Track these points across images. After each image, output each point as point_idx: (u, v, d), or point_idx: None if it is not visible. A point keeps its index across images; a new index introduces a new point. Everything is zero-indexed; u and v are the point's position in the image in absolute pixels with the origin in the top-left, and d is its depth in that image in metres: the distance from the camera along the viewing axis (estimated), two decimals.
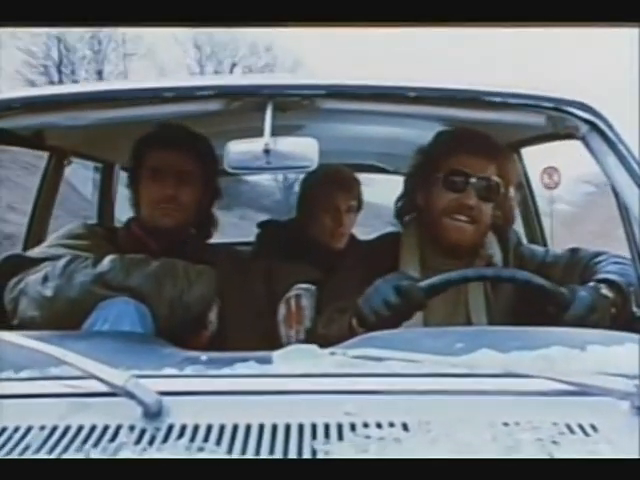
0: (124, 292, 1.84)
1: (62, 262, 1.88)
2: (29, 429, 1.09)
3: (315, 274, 2.25)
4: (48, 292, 1.83)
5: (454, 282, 1.80)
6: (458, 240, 2.01)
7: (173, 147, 2.09)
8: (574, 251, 2.12)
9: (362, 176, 3.11)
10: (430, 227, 2.07)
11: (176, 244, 2.11)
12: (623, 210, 1.85)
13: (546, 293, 1.75)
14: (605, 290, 1.81)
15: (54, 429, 1.09)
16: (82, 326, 1.78)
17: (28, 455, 1.02)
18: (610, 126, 1.66)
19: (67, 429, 1.09)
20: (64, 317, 1.80)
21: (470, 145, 2.01)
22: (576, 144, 1.78)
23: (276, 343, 1.95)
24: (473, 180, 1.98)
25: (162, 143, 2.11)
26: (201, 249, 2.15)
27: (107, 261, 1.89)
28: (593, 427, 1.09)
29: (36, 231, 2.69)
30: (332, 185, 2.73)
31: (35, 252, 2.03)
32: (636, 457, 1.00)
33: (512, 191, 2.11)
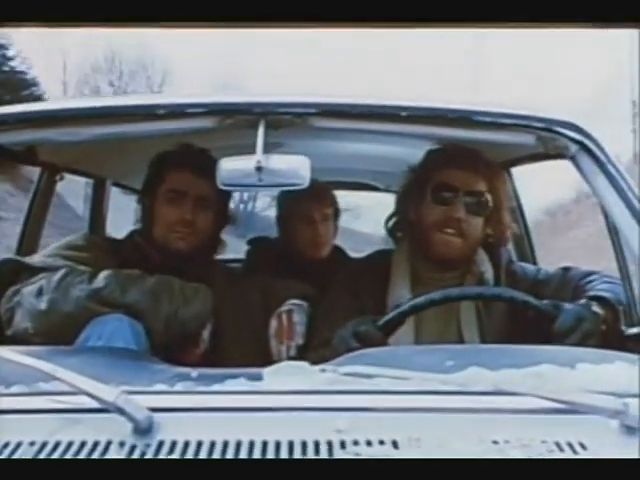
0: (120, 308, 1.83)
1: (57, 276, 1.87)
2: (19, 445, 1.08)
3: (307, 289, 2.25)
4: (42, 305, 1.82)
5: (418, 308, 1.82)
6: (446, 253, 2.03)
7: (195, 171, 2.08)
8: (566, 270, 2.14)
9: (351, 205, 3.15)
10: (420, 241, 2.08)
11: (179, 261, 2.10)
12: (612, 230, 1.87)
13: (533, 309, 1.76)
14: (596, 307, 1.82)
15: (44, 445, 1.09)
16: (75, 341, 1.77)
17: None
18: (600, 146, 1.68)
19: (57, 445, 1.09)
20: (57, 331, 1.79)
21: (459, 160, 2.03)
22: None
23: (268, 359, 1.95)
24: (461, 194, 2.00)
25: (184, 165, 2.11)
26: (199, 266, 2.14)
27: (102, 277, 1.88)
28: (582, 445, 1.10)
29: (27, 247, 2.68)
30: (304, 196, 2.73)
31: (34, 260, 2.03)
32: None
33: (505, 208, 2.12)
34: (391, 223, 2.25)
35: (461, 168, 2.03)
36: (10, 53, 19.85)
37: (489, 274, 2.09)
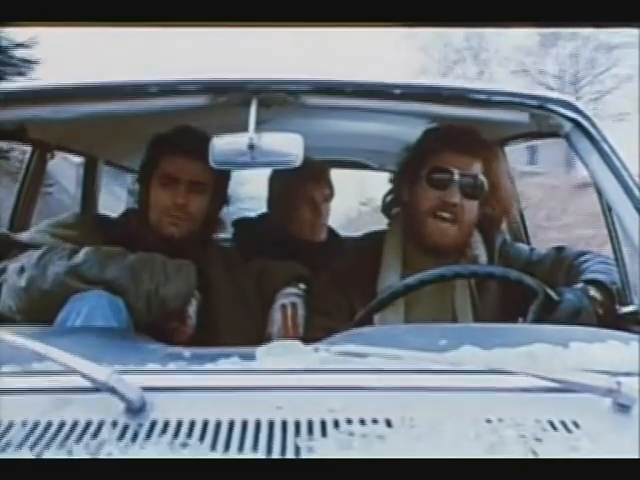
0: (99, 285, 1.82)
1: (38, 253, 1.86)
2: (11, 425, 1.08)
3: (302, 271, 2.24)
4: (22, 282, 1.81)
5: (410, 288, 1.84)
6: (440, 241, 2.02)
7: (190, 155, 2.06)
8: (559, 250, 2.13)
9: None
10: (414, 226, 2.07)
11: (173, 243, 2.09)
12: (606, 208, 1.87)
13: (530, 290, 1.76)
14: (593, 292, 1.82)
15: (36, 425, 1.08)
16: (55, 319, 1.77)
17: (10, 451, 1.02)
18: (594, 124, 1.68)
19: (49, 425, 1.08)
20: (37, 308, 1.79)
21: (455, 142, 2.01)
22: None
23: (261, 338, 1.95)
24: (457, 177, 1.98)
25: (179, 149, 2.09)
26: (192, 246, 2.13)
27: (82, 253, 1.87)
28: (575, 424, 1.10)
29: (19, 225, 2.67)
30: (304, 177, 2.70)
31: (22, 236, 2.03)
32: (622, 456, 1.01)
33: (502, 189, 2.11)
34: (387, 201, 2.24)
35: (457, 150, 2.01)
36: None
37: (483, 257, 2.09)
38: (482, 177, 2.02)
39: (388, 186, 2.24)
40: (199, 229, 2.15)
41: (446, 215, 2.00)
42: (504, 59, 27.79)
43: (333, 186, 2.93)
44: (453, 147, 2.01)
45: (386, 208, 2.24)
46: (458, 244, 2.05)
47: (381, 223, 2.30)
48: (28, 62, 12.08)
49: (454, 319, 2.01)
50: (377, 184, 3.44)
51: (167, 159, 2.10)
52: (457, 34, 28.19)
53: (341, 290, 2.03)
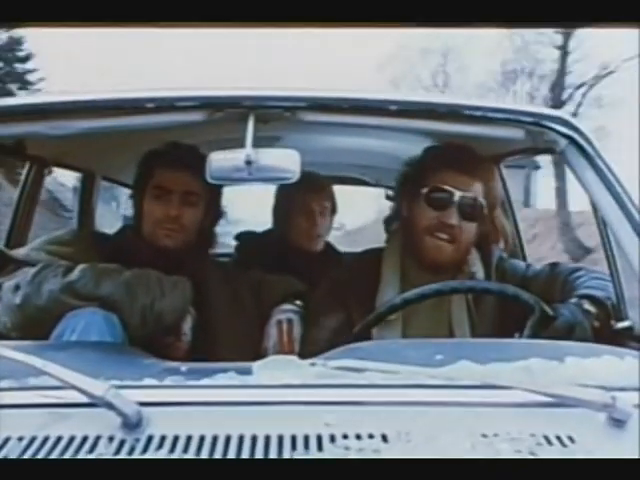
0: (93, 301, 1.82)
1: (33, 270, 1.86)
2: (7, 440, 1.08)
3: (301, 287, 2.25)
4: (17, 300, 1.81)
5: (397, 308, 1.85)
6: (437, 258, 2.01)
7: (181, 167, 2.09)
8: (554, 265, 2.14)
9: None
10: (411, 244, 2.07)
11: (169, 257, 2.10)
12: (601, 224, 1.87)
13: (526, 306, 1.77)
14: (587, 305, 1.83)
15: (32, 440, 1.08)
16: (50, 335, 1.76)
17: None
18: (589, 141, 1.68)
19: (46, 440, 1.08)
20: (33, 325, 1.79)
21: (455, 161, 2.00)
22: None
23: (258, 354, 1.95)
24: (456, 198, 1.97)
25: (171, 162, 2.11)
26: (189, 262, 2.13)
27: (77, 270, 1.87)
28: (570, 438, 1.10)
29: (15, 241, 2.67)
30: (304, 188, 2.75)
31: (18, 253, 2.02)
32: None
33: (497, 208, 2.11)
34: (387, 216, 2.25)
35: (457, 170, 1.99)
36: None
37: (480, 274, 2.09)
38: (481, 199, 2.00)
39: (359, 209, 2.25)
40: (194, 241, 2.16)
41: (444, 236, 1.99)
42: (465, 94, 28.29)
43: (335, 201, 2.97)
44: (453, 166, 2.00)
45: (386, 223, 2.25)
46: (455, 262, 2.04)
47: (354, 247, 2.31)
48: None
49: (451, 334, 2.01)
50: (346, 211, 3.49)
51: (159, 172, 2.12)
52: (426, 70, 28.90)
53: (340, 304, 2.03)
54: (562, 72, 20.87)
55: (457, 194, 1.97)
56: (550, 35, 20.69)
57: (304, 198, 2.83)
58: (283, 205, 2.93)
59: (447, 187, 1.98)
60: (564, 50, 20.52)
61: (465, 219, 1.99)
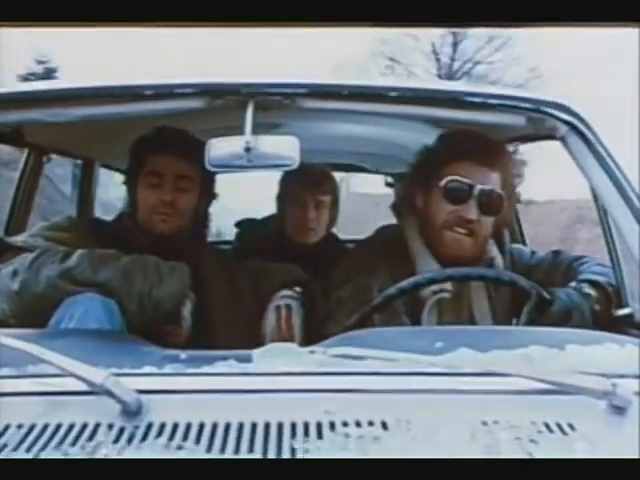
0: (91, 287, 1.81)
1: (31, 256, 1.85)
2: (7, 428, 1.08)
3: (301, 274, 2.24)
4: (15, 286, 1.81)
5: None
6: (457, 253, 1.96)
7: (173, 152, 2.09)
8: (556, 253, 2.14)
9: None
10: (428, 237, 2.01)
11: (166, 243, 2.10)
12: (601, 211, 1.87)
13: (528, 293, 1.76)
14: (587, 289, 1.83)
15: (32, 427, 1.08)
16: (49, 322, 1.76)
17: (6, 454, 1.01)
18: (589, 127, 1.68)
19: (45, 427, 1.08)
20: (31, 312, 1.78)
21: (472, 152, 1.94)
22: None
23: (258, 341, 1.94)
24: (475, 192, 1.92)
25: (162, 148, 2.11)
26: (187, 249, 2.13)
27: (75, 256, 1.86)
28: (571, 426, 1.10)
29: (14, 228, 2.67)
30: (301, 180, 2.75)
31: (17, 240, 2.02)
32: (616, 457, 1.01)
33: (512, 197, 2.07)
34: (396, 205, 2.22)
35: (474, 161, 1.94)
36: None
37: (498, 260, 2.05)
38: (499, 191, 1.95)
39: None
40: (189, 225, 2.16)
41: (463, 231, 1.94)
42: None
43: (337, 193, 2.95)
44: (470, 156, 1.94)
45: (397, 212, 2.21)
46: (474, 254, 1.99)
47: None
48: None
49: (472, 322, 1.98)
50: None
51: (152, 158, 2.12)
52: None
53: (364, 288, 1.94)
54: None
55: (476, 187, 1.91)
56: None
57: (299, 190, 2.81)
58: (282, 195, 2.92)
59: (465, 180, 1.92)
60: None
61: (484, 213, 1.94)
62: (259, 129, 1.51)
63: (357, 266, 2.03)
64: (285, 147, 1.53)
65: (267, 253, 2.53)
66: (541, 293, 1.74)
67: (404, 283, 1.79)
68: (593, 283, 1.85)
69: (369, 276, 1.96)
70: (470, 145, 1.95)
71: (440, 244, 1.97)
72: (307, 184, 2.80)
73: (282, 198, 2.91)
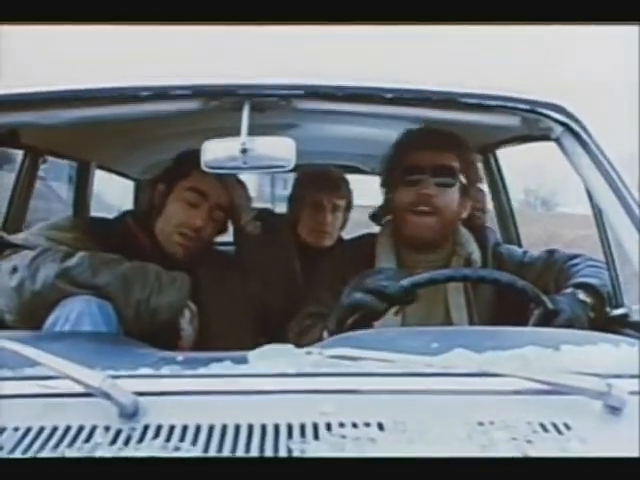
0: (89, 290, 1.80)
1: (32, 254, 1.84)
2: (2, 430, 1.08)
3: (290, 274, 2.24)
4: (13, 282, 1.80)
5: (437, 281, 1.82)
6: (422, 234, 2.02)
7: (220, 178, 2.06)
8: (550, 253, 2.14)
9: None
10: (398, 225, 2.08)
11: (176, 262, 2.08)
12: (596, 212, 1.87)
13: (527, 297, 1.75)
14: (583, 295, 1.83)
15: (28, 430, 1.08)
16: (45, 321, 1.75)
17: (1, 456, 1.01)
18: (584, 128, 1.68)
19: (41, 430, 1.08)
20: (27, 309, 1.78)
21: (430, 141, 2.02)
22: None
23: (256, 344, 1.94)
24: (429, 171, 1.99)
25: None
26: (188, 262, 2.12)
27: (76, 257, 1.85)
28: (566, 426, 1.10)
29: (11, 230, 2.66)
30: (317, 183, 2.76)
31: (17, 238, 2.01)
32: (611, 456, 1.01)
33: (479, 182, 2.11)
34: (377, 207, 2.25)
35: (431, 148, 2.02)
36: None
37: (476, 255, 2.09)
38: (454, 164, 2.02)
39: None
40: (199, 249, 2.15)
41: (424, 208, 1.99)
42: None
43: (351, 199, 2.96)
44: (427, 145, 2.02)
45: (376, 215, 2.26)
46: (442, 236, 2.05)
47: None
48: None
49: (448, 319, 2.00)
50: None
51: (199, 173, 2.01)
52: None
53: (334, 291, 2.00)
54: None
55: (430, 166, 1.99)
56: None
57: (315, 193, 2.81)
58: (296, 196, 2.91)
59: (420, 163, 2.00)
60: None
61: (441, 186, 2.00)
62: (255, 130, 1.51)
63: (331, 271, 2.11)
64: (281, 148, 1.53)
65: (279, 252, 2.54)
66: (546, 303, 1.73)
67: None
68: (587, 288, 1.85)
69: (339, 281, 1.98)
70: (428, 136, 2.03)
71: (406, 228, 2.04)
72: (324, 187, 2.81)
73: (296, 200, 2.91)
